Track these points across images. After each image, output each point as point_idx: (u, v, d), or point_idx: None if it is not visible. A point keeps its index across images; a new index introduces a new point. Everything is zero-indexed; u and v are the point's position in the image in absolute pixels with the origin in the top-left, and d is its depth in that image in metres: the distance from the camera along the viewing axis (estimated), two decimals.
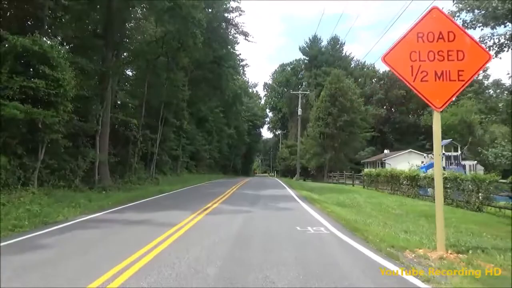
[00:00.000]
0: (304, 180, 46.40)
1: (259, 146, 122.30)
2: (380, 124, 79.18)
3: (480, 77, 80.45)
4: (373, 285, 3.98)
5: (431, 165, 26.05)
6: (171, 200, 14.04)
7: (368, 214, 11.40)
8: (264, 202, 13.49)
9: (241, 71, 49.16)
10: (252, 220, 9.08)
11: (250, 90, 60.57)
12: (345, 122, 44.39)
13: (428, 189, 18.01)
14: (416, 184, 18.53)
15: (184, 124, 32.53)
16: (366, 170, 26.87)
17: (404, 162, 54.45)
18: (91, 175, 17.90)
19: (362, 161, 64.13)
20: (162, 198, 15.00)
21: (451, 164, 25.81)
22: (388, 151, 65.94)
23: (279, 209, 11.48)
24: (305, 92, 50.47)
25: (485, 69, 79.65)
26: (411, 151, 56.80)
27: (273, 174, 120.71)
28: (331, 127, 44.14)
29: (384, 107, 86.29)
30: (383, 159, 55.73)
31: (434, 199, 15.62)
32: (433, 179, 17.33)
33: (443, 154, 26.79)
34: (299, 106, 46.26)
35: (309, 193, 19.21)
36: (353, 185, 30.89)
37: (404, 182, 19.97)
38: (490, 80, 79.20)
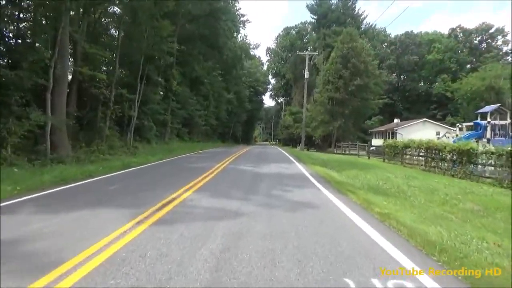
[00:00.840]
0: (308, 150, 41.78)
1: (261, 114, 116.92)
2: (389, 92, 73.55)
3: (500, 43, 74.43)
4: None
5: (472, 136, 21.09)
6: (123, 183, 9.13)
7: (435, 213, 6.66)
8: (267, 189, 8.65)
9: (241, 27, 43.03)
10: (241, 245, 4.17)
11: (252, 52, 54.40)
12: (357, 87, 39.04)
13: (486, 168, 13.21)
14: (468, 161, 13.68)
15: (173, 84, 27.38)
16: (389, 140, 22.07)
17: (418, 132, 49.60)
18: (42, 143, 13.27)
19: (370, 130, 59.26)
20: (115, 178, 10.07)
21: (496, 135, 20.86)
22: (399, 121, 60.97)
23: (294, 207, 6.52)
24: (313, 53, 44.62)
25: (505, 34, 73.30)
26: (426, 120, 51.81)
27: (274, 142, 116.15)
28: (342, 92, 38.84)
29: (394, 74, 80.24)
30: (394, 128, 50.83)
31: (498, 182, 10.79)
32: (498, 155, 12.73)
33: (488, 122, 21.68)
34: (306, 68, 40.67)
35: (324, 169, 14.45)
36: (369, 158, 26.12)
37: (448, 157, 15.11)
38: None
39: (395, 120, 61.53)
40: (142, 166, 13.74)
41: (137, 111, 21.37)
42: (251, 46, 54.44)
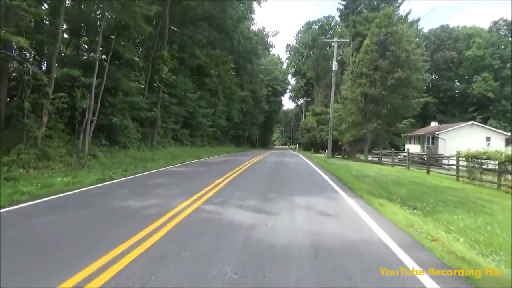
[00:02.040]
0: (333, 155, 33.98)
1: (280, 116, 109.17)
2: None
3: None
4: None
5: None
6: None
7: None
8: None
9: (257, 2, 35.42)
10: None
11: (270, 41, 46.97)
12: (397, 81, 30.92)
13: None
14: None
15: (163, 70, 20.31)
16: (472, 151, 14.18)
17: (464, 137, 40.92)
18: None
19: (402, 135, 50.73)
20: None
21: None
22: (437, 124, 52.17)
23: None
24: (342, 40, 36.77)
25: None
26: (473, 123, 43.04)
27: (293, 146, 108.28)
28: (378, 86, 30.83)
29: (427, 72, 70.90)
30: (436, 133, 42.32)
31: None
32: None
33: None
34: (334, 58, 32.93)
35: (404, 212, 6.78)
36: (428, 172, 18.15)
37: None
38: None
39: (432, 123, 52.81)
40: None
41: (99, 103, 14.30)
42: (268, 34, 46.79)
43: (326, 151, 33.75)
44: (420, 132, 45.25)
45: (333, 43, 34.06)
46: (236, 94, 41.43)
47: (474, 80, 66.98)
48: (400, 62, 31.41)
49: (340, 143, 42.88)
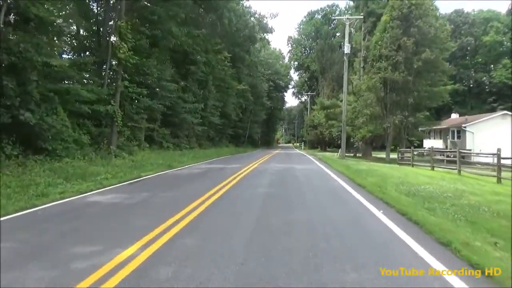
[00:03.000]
0: (337, 152, 27.97)
1: (282, 113, 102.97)
2: None
3: None
4: None
5: None
6: None
7: None
8: None
9: None
10: None
11: (268, 23, 40.77)
12: (424, 64, 24.83)
13: None
14: None
15: (118, 48, 14.42)
16: None
17: (495, 129, 34.73)
18: None
19: (420, 129, 44.48)
20: None
21: None
22: (457, 116, 45.82)
23: None
24: (355, 17, 30.60)
25: None
26: (505, 113, 36.76)
27: (298, 144, 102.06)
28: (403, 70, 24.68)
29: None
30: (463, 125, 36.16)
31: None
32: None
33: None
34: (346, 39, 26.83)
35: None
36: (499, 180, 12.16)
37: None
38: None
39: (453, 115, 46.50)
40: None
41: None
42: (266, 16, 40.63)
43: (340, 151, 27.70)
44: (442, 125, 38.97)
45: (344, 20, 27.94)
46: (232, 88, 35.45)
47: (492, 68, 60.46)
48: (427, 40, 25.30)
49: (352, 140, 36.85)
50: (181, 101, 22.75)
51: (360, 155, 34.31)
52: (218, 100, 31.01)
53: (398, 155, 23.70)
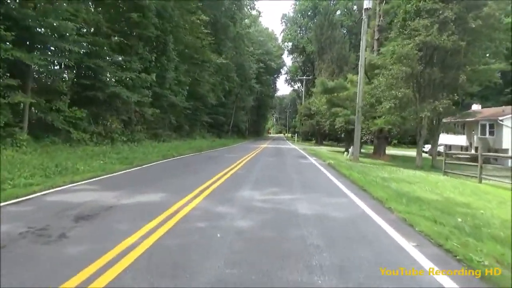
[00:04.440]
0: (346, 150, 19.18)
1: (274, 101, 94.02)
2: None
3: None
4: None
5: None
6: None
7: None
8: None
9: None
10: None
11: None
12: (479, 28, 16.28)
13: None
14: None
15: None
16: None
17: None
18: None
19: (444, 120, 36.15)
20: None
21: None
22: (479, 107, 37.62)
23: None
24: None
25: None
26: None
27: (290, 135, 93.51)
28: (452, 32, 16.08)
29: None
30: (499, 118, 28.21)
31: None
32: None
33: None
34: None
35: None
36: None
37: None
38: None
39: (474, 106, 38.20)
40: None
41: None
42: None
43: (351, 150, 19.15)
44: (467, 118, 30.65)
45: None
46: (209, 61, 26.50)
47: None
48: None
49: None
50: (114, 66, 13.84)
51: (374, 152, 25.99)
52: (187, 74, 22.07)
53: (444, 159, 15.05)
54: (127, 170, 9.45)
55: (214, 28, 29.79)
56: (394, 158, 25.28)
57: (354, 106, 23.75)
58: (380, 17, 26.53)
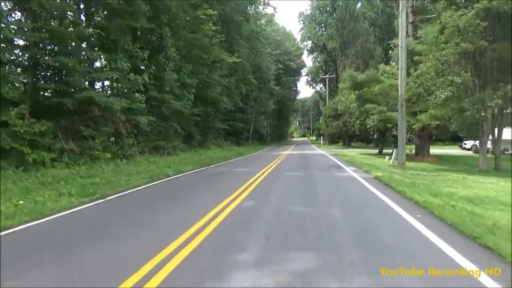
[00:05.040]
0: (380, 152, 14.90)
1: (296, 105, 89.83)
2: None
3: None
4: None
5: None
6: None
7: None
8: None
9: None
10: None
11: None
12: None
13: None
14: None
15: None
16: None
17: None
18: None
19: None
20: None
21: None
22: None
23: None
24: None
25: None
26: None
27: (315, 138, 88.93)
28: None
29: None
30: None
31: None
32: None
33: None
34: None
35: None
36: None
37: None
38: None
39: None
40: None
41: None
42: None
43: (394, 154, 15.21)
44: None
45: None
46: (220, 62, 23.37)
47: None
48: None
49: (394, 133, 24.07)
50: (85, 65, 10.83)
51: (417, 155, 21.72)
52: (193, 75, 18.93)
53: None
54: (71, 210, 6.10)
55: (225, 26, 26.77)
56: (440, 159, 21.01)
57: (390, 101, 19.73)
58: None
